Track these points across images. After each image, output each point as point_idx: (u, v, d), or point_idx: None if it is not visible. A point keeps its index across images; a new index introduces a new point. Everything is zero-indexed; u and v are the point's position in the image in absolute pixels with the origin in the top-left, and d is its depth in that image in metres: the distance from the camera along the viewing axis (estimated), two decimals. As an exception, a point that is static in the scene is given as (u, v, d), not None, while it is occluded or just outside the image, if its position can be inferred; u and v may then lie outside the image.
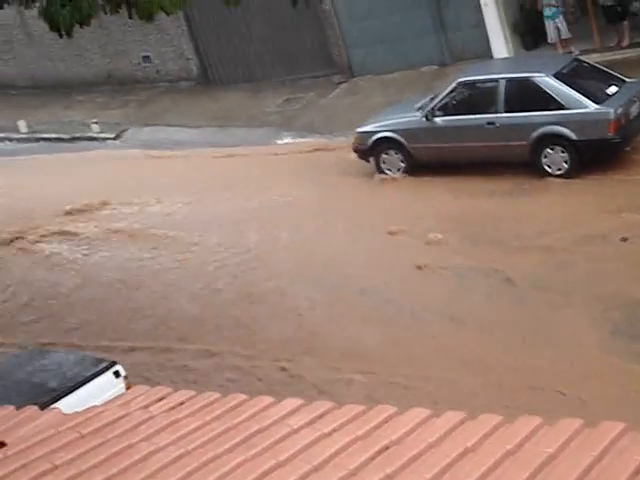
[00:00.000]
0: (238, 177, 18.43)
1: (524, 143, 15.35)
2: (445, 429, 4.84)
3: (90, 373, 9.67)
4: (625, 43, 19.38)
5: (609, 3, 19.09)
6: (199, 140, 21.60)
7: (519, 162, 15.46)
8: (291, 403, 5.41)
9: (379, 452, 4.66)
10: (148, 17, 10.40)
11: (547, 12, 19.54)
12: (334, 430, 4.96)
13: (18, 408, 6.08)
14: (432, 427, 4.90)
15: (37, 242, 16.79)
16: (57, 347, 12.52)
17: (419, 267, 13.35)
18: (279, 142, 20.53)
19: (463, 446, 4.62)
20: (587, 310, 11.61)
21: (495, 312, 12.01)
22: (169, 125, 23.01)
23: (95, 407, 5.90)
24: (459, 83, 16.34)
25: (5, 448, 5.40)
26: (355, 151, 17.28)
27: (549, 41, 19.82)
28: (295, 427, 5.03)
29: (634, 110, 15.42)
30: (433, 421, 4.98)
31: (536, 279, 12.48)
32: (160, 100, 24.66)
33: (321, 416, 5.17)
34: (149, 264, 15.31)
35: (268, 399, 5.52)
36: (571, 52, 18.98)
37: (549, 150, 15.32)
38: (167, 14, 10.56)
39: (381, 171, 16.95)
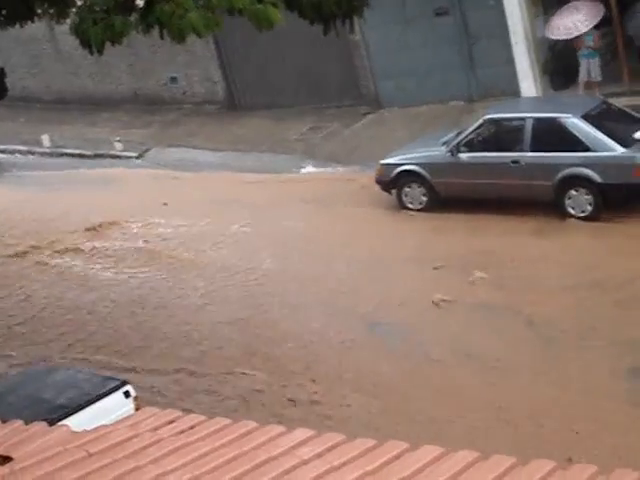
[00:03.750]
0: (256, 202, 18.43)
1: (548, 183, 15.29)
2: (457, 468, 4.76)
3: (100, 392, 9.62)
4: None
5: None
6: (222, 163, 21.64)
7: (543, 202, 15.39)
8: (301, 433, 5.33)
9: (389, 488, 4.58)
10: (180, 38, 10.40)
11: (584, 52, 19.46)
12: (344, 464, 4.88)
13: (27, 423, 6.03)
14: (444, 465, 4.82)
15: (52, 256, 16.82)
16: (67, 363, 12.50)
17: (434, 303, 13.28)
18: (302, 170, 20.53)
19: (475, 486, 4.54)
20: (603, 355, 11.51)
21: (512, 352, 11.92)
22: (193, 147, 23.08)
23: (104, 426, 5.84)
24: (486, 120, 16.32)
25: (12, 463, 5.34)
26: (378, 183, 17.25)
27: (580, 78, 19.72)
28: (305, 458, 4.95)
29: (660, 156, 15.34)
30: (445, 459, 4.90)
31: (556, 321, 12.39)
32: (185, 122, 24.74)
33: (331, 448, 5.09)
34: (159, 285, 15.31)
35: (279, 428, 5.45)
36: (595, 95, 18.91)
37: (573, 192, 15.27)
38: (199, 36, 10.57)
39: (403, 204, 16.91)
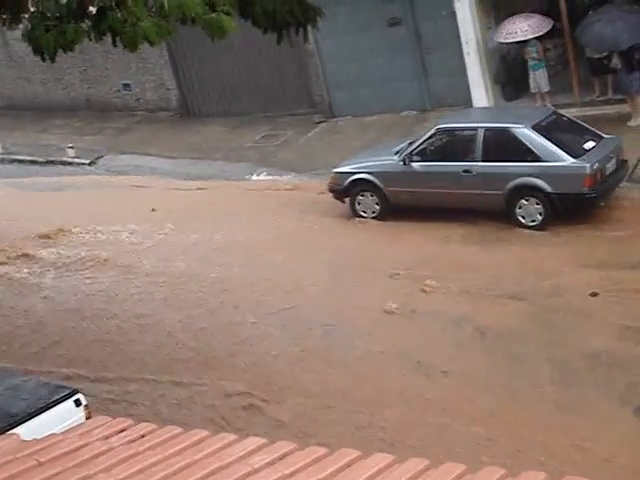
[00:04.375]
0: (209, 210, 18.38)
1: (499, 193, 15.43)
2: (408, 476, 4.80)
3: (50, 400, 9.54)
4: (608, 96, 19.60)
5: (598, 56, 19.28)
6: (174, 171, 21.57)
7: (494, 211, 15.53)
8: (253, 442, 5.34)
9: (340, 496, 4.61)
10: (132, 47, 10.39)
11: (530, 63, 19.75)
12: (295, 472, 4.90)
13: (-24, 432, 5.99)
14: (395, 473, 4.85)
15: (2, 264, 16.68)
16: (16, 371, 12.38)
17: (387, 312, 13.33)
18: (254, 178, 20.52)
19: (425, 494, 4.58)
20: (549, 362, 11.64)
21: (462, 360, 12.00)
22: (146, 154, 22.98)
23: (54, 435, 5.81)
24: (438, 129, 16.42)
25: (-40, 472, 5.30)
26: (331, 191, 17.30)
27: (532, 88, 19.99)
28: (256, 467, 4.96)
29: (610, 166, 15.54)
30: (396, 467, 4.93)
31: (504, 329, 12.49)
32: (138, 129, 24.65)
33: (283, 457, 5.10)
34: (111, 292, 15.21)
35: (230, 436, 5.46)
36: (545, 105, 19.14)
37: (524, 201, 15.41)
38: (151, 44, 10.56)
39: (356, 212, 16.97)
